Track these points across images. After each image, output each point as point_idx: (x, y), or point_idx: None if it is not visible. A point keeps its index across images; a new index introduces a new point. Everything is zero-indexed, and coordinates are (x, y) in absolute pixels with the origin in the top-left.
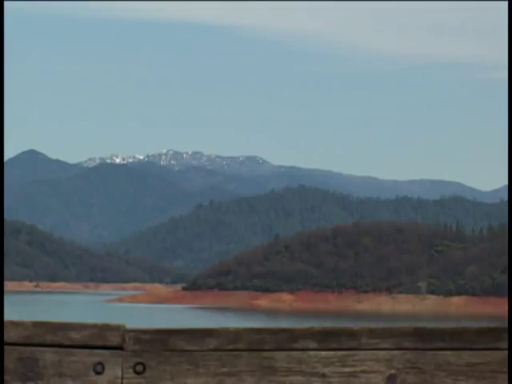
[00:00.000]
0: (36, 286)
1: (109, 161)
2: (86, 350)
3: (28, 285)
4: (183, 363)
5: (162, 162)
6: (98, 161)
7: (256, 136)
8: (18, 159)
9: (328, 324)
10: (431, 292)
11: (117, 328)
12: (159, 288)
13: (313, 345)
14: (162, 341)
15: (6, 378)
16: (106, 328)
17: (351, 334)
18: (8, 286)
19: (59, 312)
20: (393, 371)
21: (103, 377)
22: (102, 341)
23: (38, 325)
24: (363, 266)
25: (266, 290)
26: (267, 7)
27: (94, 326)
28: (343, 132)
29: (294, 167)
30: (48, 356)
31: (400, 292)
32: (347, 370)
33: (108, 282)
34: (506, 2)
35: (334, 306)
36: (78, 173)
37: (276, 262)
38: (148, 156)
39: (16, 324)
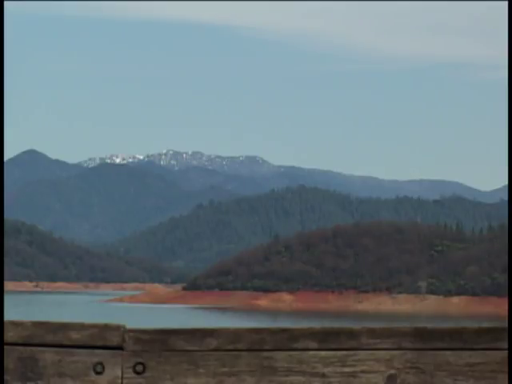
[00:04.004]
0: (36, 286)
1: (109, 161)
2: (86, 350)
3: (28, 285)
4: (183, 363)
5: (162, 162)
6: (97, 161)
7: (256, 136)
8: (18, 159)
9: (328, 324)
10: (431, 292)
11: (117, 328)
12: (159, 288)
13: (313, 345)
14: (162, 341)
15: (6, 377)
16: (106, 328)
17: (351, 334)
18: (8, 285)
19: (59, 312)
20: (393, 371)
21: (103, 377)
22: (102, 341)
23: (37, 325)
24: (363, 265)
25: (266, 290)
26: (267, 7)
27: (94, 326)
28: (343, 132)
29: (294, 167)
30: (48, 356)
31: (400, 292)
32: (347, 370)
33: (108, 281)
34: (506, 2)
35: (333, 306)
36: (78, 173)
37: (276, 262)
38: (148, 156)
39: (16, 324)
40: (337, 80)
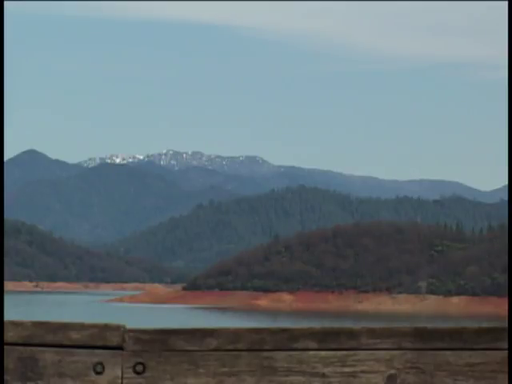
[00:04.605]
0: (36, 286)
1: (109, 161)
2: (86, 350)
3: (28, 285)
4: (183, 363)
5: (162, 162)
6: (98, 161)
7: (256, 136)
8: (18, 159)
9: (328, 324)
10: (431, 292)
11: (117, 328)
12: (159, 288)
13: (313, 345)
14: (162, 341)
15: (6, 377)
16: (106, 328)
17: (351, 334)
18: (8, 285)
19: (59, 312)
20: (393, 371)
21: (103, 377)
22: (102, 341)
23: (38, 325)
24: (363, 265)
25: (266, 290)
26: (267, 7)
27: (94, 326)
28: (343, 132)
29: (294, 167)
30: (48, 356)
31: (400, 292)
32: (347, 370)
33: (108, 281)
34: (506, 2)
35: (333, 306)
36: (77, 173)
37: (276, 262)
38: (148, 156)
39: (16, 324)
40: (337, 80)
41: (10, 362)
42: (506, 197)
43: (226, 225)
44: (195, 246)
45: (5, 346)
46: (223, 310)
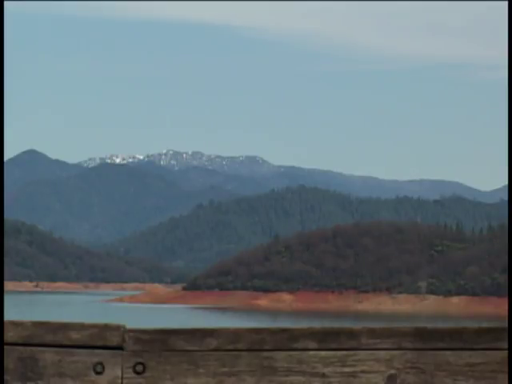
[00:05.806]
0: (36, 286)
1: (109, 161)
2: (86, 350)
3: (28, 285)
4: (183, 363)
5: (162, 162)
6: (98, 161)
7: (256, 136)
8: (18, 159)
9: (328, 324)
10: (431, 292)
11: (117, 328)
12: (159, 288)
13: (313, 345)
14: (162, 341)
15: (6, 377)
16: (106, 328)
17: (351, 334)
18: (8, 285)
19: (59, 312)
20: (393, 371)
21: (103, 377)
22: (102, 341)
23: (38, 325)
24: (363, 265)
25: (266, 290)
26: (267, 7)
27: (94, 326)
28: (343, 132)
29: (294, 167)
30: (48, 356)
31: (400, 292)
32: (347, 370)
33: (108, 282)
34: (506, 2)
35: (333, 306)
36: (77, 173)
37: (276, 262)
38: (148, 156)
39: (16, 324)
40: (337, 80)
41: (10, 362)
42: (506, 197)
43: (226, 225)
44: (195, 245)
45: (5, 346)
46: (223, 310)
